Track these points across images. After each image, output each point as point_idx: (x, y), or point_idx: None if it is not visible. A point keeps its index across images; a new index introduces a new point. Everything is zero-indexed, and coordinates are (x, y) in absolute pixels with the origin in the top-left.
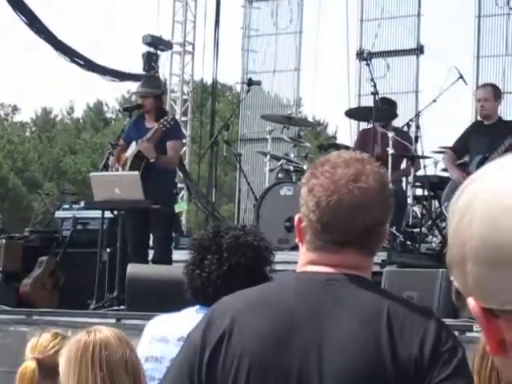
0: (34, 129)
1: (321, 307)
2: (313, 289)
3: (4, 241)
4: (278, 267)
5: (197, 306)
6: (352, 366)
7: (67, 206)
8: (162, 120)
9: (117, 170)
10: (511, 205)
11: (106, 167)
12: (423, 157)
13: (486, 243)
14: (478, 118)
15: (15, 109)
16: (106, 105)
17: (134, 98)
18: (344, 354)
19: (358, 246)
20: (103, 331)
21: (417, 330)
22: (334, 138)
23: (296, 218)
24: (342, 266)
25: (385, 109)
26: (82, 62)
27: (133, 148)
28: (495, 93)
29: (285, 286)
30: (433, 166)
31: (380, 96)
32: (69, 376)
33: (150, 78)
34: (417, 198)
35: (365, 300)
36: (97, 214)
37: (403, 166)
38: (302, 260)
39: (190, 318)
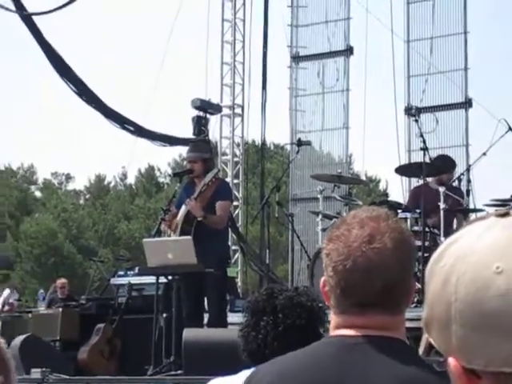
0: (87, 196)
1: (344, 372)
2: (338, 353)
3: (61, 309)
4: None
5: (253, 368)
6: None
7: (122, 273)
8: (207, 176)
9: (169, 235)
10: (499, 271)
11: (158, 233)
12: (476, 210)
13: (473, 308)
14: None
15: (69, 177)
16: (158, 169)
17: (185, 162)
18: None
19: (380, 306)
20: None
21: None
22: (386, 194)
23: (321, 282)
24: (368, 328)
25: (435, 164)
26: (132, 129)
27: (182, 211)
28: None
29: (315, 351)
30: None
31: (430, 151)
32: None
33: (198, 142)
34: None
35: (379, 366)
36: (151, 279)
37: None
38: (332, 324)
39: None
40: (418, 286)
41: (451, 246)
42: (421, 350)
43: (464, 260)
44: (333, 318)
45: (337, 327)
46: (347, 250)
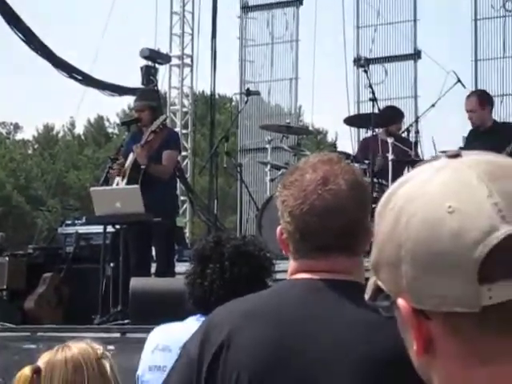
0: (36, 146)
1: (312, 313)
2: (304, 295)
3: (8, 258)
4: (280, 276)
5: (198, 315)
6: (354, 367)
7: (70, 222)
8: (154, 123)
9: (117, 184)
10: (451, 210)
11: (106, 182)
12: (423, 161)
13: (425, 248)
14: None
15: (17, 127)
16: (108, 120)
17: (133, 111)
18: (345, 356)
19: (340, 248)
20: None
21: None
22: (334, 145)
23: (277, 230)
24: (328, 271)
25: (383, 114)
26: (80, 78)
27: (130, 158)
28: (481, 101)
29: (280, 292)
30: None
31: (379, 102)
32: None
33: (146, 91)
34: None
35: (342, 308)
36: (99, 228)
37: (405, 171)
38: (290, 269)
39: (191, 327)
40: None
41: (400, 188)
42: (367, 295)
43: (414, 201)
44: (291, 264)
45: (296, 271)
46: (303, 194)
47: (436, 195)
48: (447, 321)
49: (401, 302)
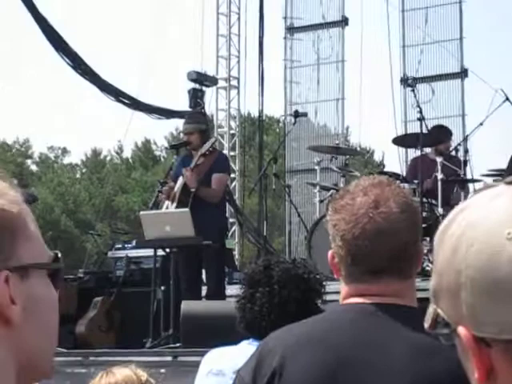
0: (84, 170)
1: (363, 340)
2: (358, 319)
3: None
4: (331, 297)
5: (250, 339)
6: None
7: (120, 246)
8: (203, 146)
9: (167, 207)
10: (510, 237)
11: (155, 205)
12: (473, 180)
13: (484, 275)
14: None
15: (65, 151)
16: (155, 143)
17: (182, 135)
18: (401, 382)
19: (392, 272)
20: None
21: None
22: (382, 165)
23: (329, 254)
24: (381, 295)
25: (431, 134)
26: (127, 101)
27: (180, 182)
28: None
29: (333, 317)
30: None
31: (426, 121)
32: None
33: (194, 114)
34: None
35: (396, 334)
36: (149, 252)
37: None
38: (342, 294)
39: (245, 351)
40: None
41: (460, 214)
42: (427, 323)
43: (473, 227)
44: (343, 288)
45: (349, 296)
46: (354, 217)
47: (495, 222)
48: (508, 348)
49: (461, 329)
